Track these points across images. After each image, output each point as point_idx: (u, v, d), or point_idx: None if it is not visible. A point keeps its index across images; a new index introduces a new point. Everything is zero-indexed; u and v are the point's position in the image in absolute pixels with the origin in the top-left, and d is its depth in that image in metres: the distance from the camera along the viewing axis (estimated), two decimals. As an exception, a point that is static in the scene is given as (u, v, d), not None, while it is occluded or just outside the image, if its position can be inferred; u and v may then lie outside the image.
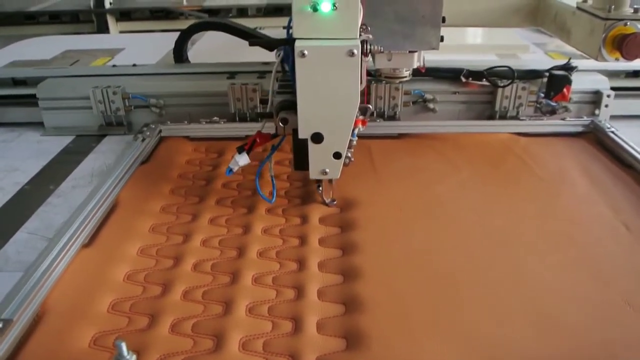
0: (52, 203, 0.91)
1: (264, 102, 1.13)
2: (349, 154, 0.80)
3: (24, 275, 0.66)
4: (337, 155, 0.77)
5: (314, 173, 0.80)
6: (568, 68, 1.13)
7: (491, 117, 1.16)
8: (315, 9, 0.69)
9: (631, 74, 1.28)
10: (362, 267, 0.71)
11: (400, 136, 1.11)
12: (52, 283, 0.67)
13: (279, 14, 3.08)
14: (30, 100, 1.21)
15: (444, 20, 0.89)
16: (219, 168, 0.99)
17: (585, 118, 1.14)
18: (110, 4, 3.04)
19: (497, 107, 1.15)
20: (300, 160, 0.78)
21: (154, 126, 1.11)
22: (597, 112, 1.17)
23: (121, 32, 3.07)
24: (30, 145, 1.14)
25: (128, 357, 0.48)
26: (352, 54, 0.69)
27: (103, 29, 2.99)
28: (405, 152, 1.04)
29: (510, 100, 1.14)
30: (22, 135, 1.19)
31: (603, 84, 1.17)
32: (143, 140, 1.05)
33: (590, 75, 1.19)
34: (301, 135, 0.75)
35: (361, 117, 0.80)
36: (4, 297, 0.62)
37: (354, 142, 0.82)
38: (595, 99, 1.17)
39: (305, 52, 0.69)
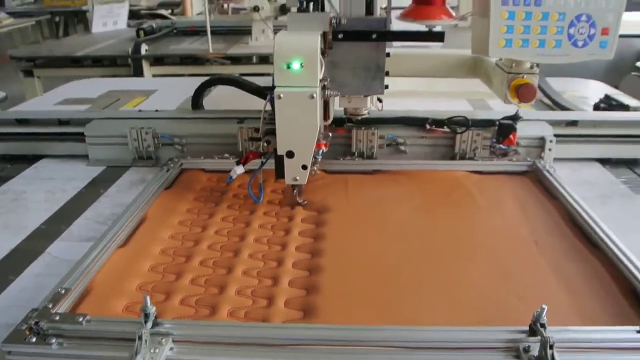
0: (102, 201, 1.23)
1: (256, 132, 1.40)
2: (315, 168, 1.11)
3: (77, 263, 0.91)
4: (304, 167, 1.07)
5: (288, 179, 1.09)
6: (515, 118, 1.37)
7: (453, 157, 1.41)
8: (289, 67, 0.99)
9: (570, 123, 1.51)
10: (325, 265, 0.95)
11: (374, 172, 1.35)
12: (97, 269, 0.92)
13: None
14: (72, 137, 1.49)
15: (387, 73, 1.16)
16: (226, 194, 1.25)
17: (528, 159, 1.37)
18: (146, 50, 3.39)
19: (456, 150, 1.40)
20: (280, 171, 1.08)
21: (177, 160, 1.38)
22: (542, 154, 1.40)
23: (154, 75, 3.41)
24: (80, 166, 1.44)
25: (150, 307, 0.72)
26: (312, 97, 0.99)
27: (139, 72, 3.33)
28: (376, 184, 1.29)
29: (468, 144, 1.39)
30: (71, 162, 1.47)
31: (547, 131, 1.41)
32: (167, 170, 1.32)
33: (537, 124, 1.43)
34: (279, 152, 1.04)
35: (323, 142, 1.11)
36: (64, 274, 0.88)
37: (319, 159, 1.13)
38: (541, 144, 1.41)
39: (281, 95, 0.99)
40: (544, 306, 0.71)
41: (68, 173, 1.38)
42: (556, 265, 0.96)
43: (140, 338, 0.69)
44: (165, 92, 2.08)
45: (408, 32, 1.19)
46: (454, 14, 1.19)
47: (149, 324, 0.72)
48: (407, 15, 1.19)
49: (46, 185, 1.31)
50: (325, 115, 1.05)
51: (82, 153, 1.49)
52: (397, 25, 1.16)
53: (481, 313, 0.83)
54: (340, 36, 1.07)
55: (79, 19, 7.32)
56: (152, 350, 0.71)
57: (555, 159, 1.41)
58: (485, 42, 1.17)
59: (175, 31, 4.10)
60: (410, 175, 1.33)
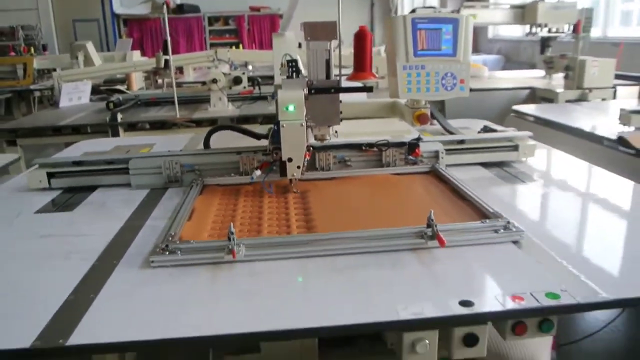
0: (164, 202, 1.86)
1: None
2: (304, 169, 1.79)
3: (170, 227, 1.55)
4: (298, 167, 1.77)
5: (290, 175, 1.78)
6: (418, 139, 2.14)
7: (381, 166, 2.15)
8: (287, 109, 1.69)
9: (460, 141, 2.30)
10: (314, 217, 1.64)
11: (332, 179, 2.07)
12: (180, 231, 1.57)
13: (247, 122, 4.11)
14: (116, 171, 2.12)
15: (341, 112, 1.89)
16: (239, 195, 1.92)
17: (429, 164, 2.14)
18: (121, 118, 4.02)
19: (383, 161, 2.14)
20: (283, 171, 1.77)
21: (199, 179, 2.04)
22: (439, 161, 2.17)
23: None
24: (126, 190, 2.05)
25: (233, 228, 1.38)
26: (302, 125, 1.70)
27: (116, 137, 3.94)
28: (335, 184, 2.01)
29: (390, 157, 2.14)
30: (119, 188, 2.08)
31: (440, 147, 2.18)
32: (197, 185, 1.98)
33: (434, 143, 2.20)
34: (283, 159, 1.75)
35: (307, 152, 1.79)
36: (164, 232, 1.52)
37: (305, 164, 1.81)
38: (436, 155, 2.18)
39: (284, 125, 1.69)
40: (431, 210, 1.44)
41: (124, 193, 2.00)
42: (444, 209, 1.70)
43: (233, 240, 1.35)
44: (163, 144, 2.73)
45: (352, 87, 1.96)
46: (377, 76, 1.97)
47: (234, 235, 1.38)
48: (351, 78, 1.97)
49: (116, 198, 1.93)
50: (307, 138, 1.76)
51: (125, 182, 2.11)
52: (345, 83, 1.92)
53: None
54: (312, 91, 1.81)
55: (22, 98, 7.73)
56: (237, 247, 1.37)
57: (454, 165, 2.18)
58: (396, 90, 1.96)
59: (139, 102, 4.76)
60: (356, 178, 2.06)
